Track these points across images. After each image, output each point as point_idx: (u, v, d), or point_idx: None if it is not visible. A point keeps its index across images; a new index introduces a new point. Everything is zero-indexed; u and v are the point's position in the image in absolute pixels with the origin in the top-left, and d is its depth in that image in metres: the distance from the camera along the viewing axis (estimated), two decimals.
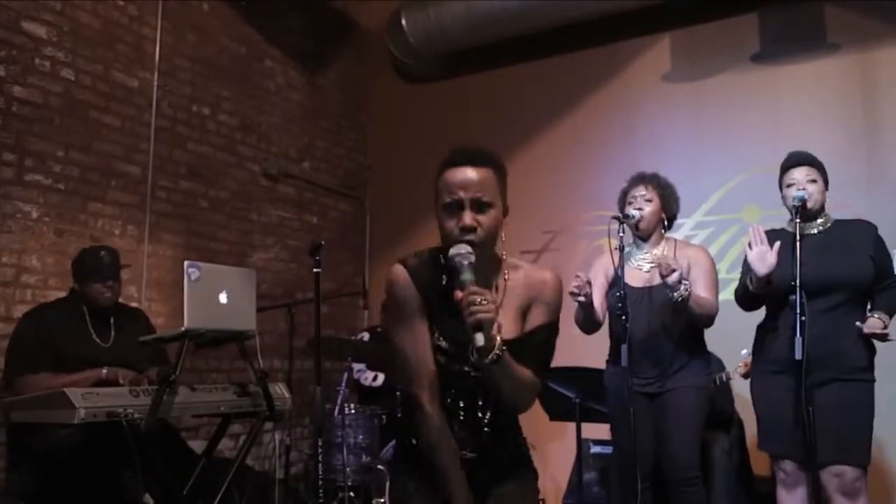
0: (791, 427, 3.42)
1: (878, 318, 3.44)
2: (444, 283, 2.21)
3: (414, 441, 2.26)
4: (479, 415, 2.24)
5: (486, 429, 2.24)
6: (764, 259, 3.44)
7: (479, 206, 2.16)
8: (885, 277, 3.54)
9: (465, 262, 2.07)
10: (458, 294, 2.01)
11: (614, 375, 3.85)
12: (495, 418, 2.25)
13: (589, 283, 3.67)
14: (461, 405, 2.23)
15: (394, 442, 2.39)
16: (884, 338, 3.41)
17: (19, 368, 3.91)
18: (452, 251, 2.09)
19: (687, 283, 3.62)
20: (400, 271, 2.27)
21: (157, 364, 4.18)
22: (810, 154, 3.65)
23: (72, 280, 4.26)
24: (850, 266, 3.46)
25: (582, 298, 3.65)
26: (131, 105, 5.42)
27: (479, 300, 1.98)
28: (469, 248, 2.09)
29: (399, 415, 2.38)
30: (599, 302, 3.87)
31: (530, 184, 6.59)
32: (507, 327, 2.15)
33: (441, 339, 2.21)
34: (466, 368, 2.18)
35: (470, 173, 2.17)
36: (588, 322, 3.85)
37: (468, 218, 2.14)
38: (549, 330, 2.29)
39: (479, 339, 1.96)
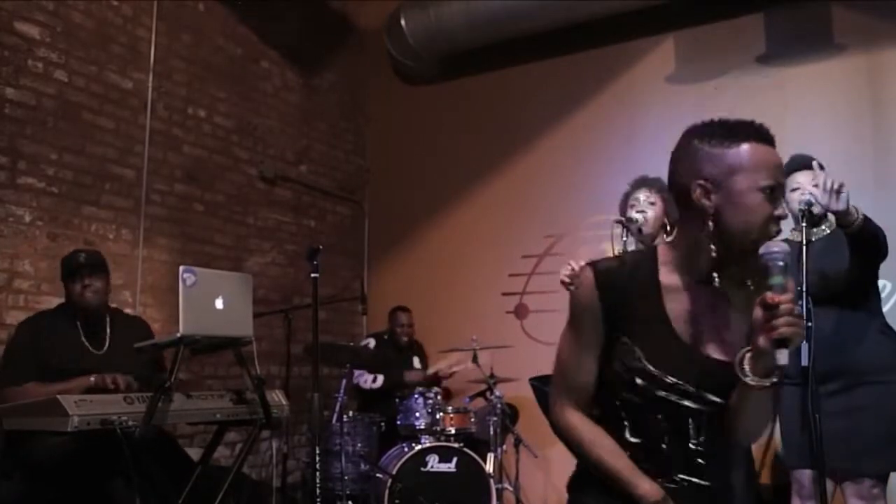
0: (807, 437, 3.34)
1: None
2: (655, 292, 1.85)
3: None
4: (690, 446, 1.86)
5: (699, 459, 1.86)
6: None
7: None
8: None
9: (780, 263, 1.71)
10: (777, 297, 1.67)
11: None
12: (717, 449, 1.89)
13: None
14: (665, 439, 1.85)
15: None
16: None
17: (7, 379, 3.86)
18: (768, 247, 1.73)
19: None
20: (586, 275, 1.88)
21: (153, 372, 4.11)
22: (811, 157, 3.56)
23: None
24: (850, 271, 3.38)
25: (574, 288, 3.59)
26: (126, 107, 5.36)
27: (795, 310, 1.67)
28: (786, 247, 1.74)
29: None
30: None
31: (532, 187, 6.54)
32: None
33: (645, 361, 1.81)
34: (673, 397, 1.82)
35: (778, 160, 1.84)
36: None
37: (782, 209, 1.80)
38: None
39: (783, 356, 1.68)
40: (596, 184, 6.01)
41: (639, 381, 1.81)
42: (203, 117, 5.94)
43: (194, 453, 4.37)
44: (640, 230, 3.79)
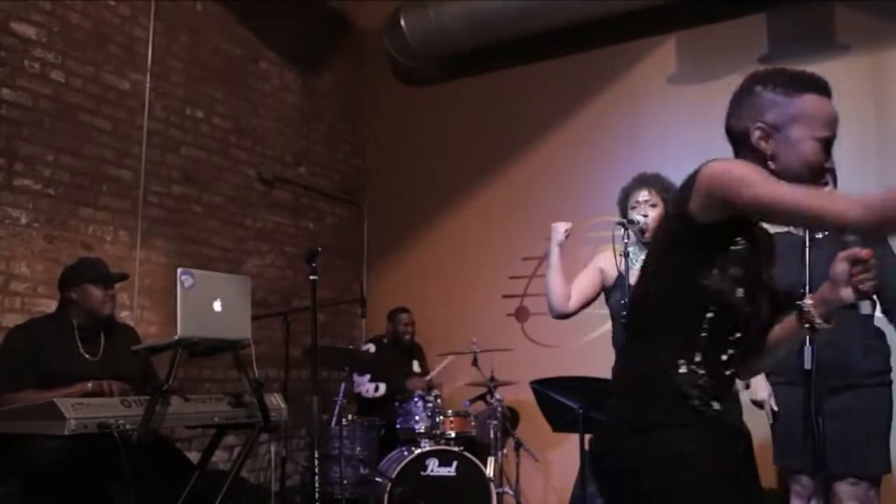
0: (802, 439, 3.32)
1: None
2: None
3: None
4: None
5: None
6: None
7: None
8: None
9: None
10: (867, 252, 1.78)
11: None
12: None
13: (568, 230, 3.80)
14: (733, 360, 1.96)
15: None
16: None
17: (3, 385, 3.81)
18: None
19: None
20: None
21: (146, 379, 4.08)
22: None
23: (59, 291, 4.14)
24: None
25: (561, 235, 3.79)
26: (123, 108, 5.33)
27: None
28: None
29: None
30: (582, 288, 3.83)
31: (532, 188, 6.51)
32: None
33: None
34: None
35: (835, 113, 1.94)
36: (553, 282, 3.80)
37: (832, 162, 1.94)
38: None
39: (868, 306, 1.84)
40: (597, 185, 5.98)
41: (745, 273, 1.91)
42: (201, 118, 5.90)
43: (192, 457, 4.34)
44: (641, 231, 3.76)
